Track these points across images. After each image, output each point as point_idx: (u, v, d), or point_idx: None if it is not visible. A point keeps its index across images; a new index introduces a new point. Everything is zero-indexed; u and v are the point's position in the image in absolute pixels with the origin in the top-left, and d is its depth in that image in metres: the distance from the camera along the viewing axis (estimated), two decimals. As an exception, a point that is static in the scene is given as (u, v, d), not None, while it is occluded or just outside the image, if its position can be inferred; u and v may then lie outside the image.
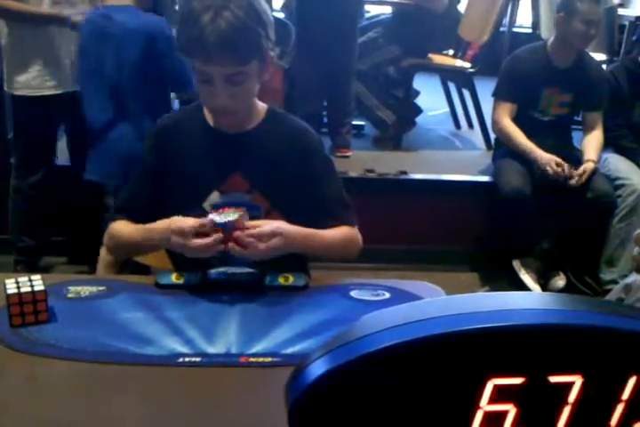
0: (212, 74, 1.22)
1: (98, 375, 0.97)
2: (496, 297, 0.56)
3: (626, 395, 0.57)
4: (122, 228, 1.34)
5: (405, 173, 2.99)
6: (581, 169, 2.61)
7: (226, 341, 1.06)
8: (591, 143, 2.74)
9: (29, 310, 1.07)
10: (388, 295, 1.24)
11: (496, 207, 2.77)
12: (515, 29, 4.87)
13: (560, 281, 2.75)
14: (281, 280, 1.26)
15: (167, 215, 1.25)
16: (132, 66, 2.10)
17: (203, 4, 1.19)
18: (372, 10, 4.33)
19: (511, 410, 0.55)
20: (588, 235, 2.71)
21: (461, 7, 3.93)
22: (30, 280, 1.08)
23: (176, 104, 2.64)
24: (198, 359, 1.01)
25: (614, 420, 0.58)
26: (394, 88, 3.51)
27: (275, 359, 1.02)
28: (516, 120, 2.75)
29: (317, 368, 0.54)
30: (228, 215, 1.17)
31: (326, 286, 1.29)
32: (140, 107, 2.14)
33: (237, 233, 1.16)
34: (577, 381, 0.55)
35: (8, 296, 1.05)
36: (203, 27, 1.18)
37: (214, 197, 1.33)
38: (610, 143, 2.79)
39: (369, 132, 3.60)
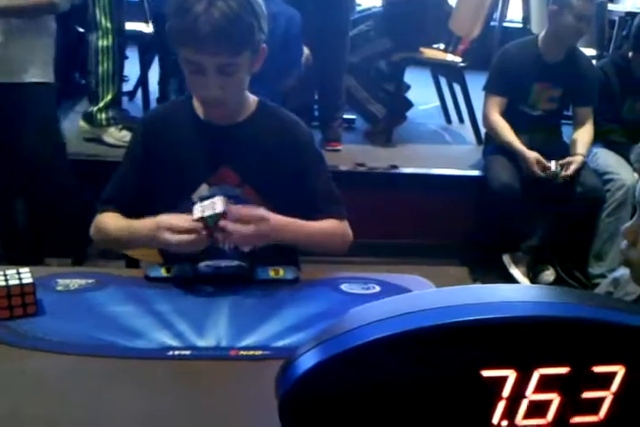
0: (203, 64, 1.21)
1: (87, 369, 0.97)
2: (484, 289, 0.56)
3: (614, 387, 0.57)
4: (108, 221, 1.32)
5: (396, 167, 2.99)
6: (566, 160, 2.62)
7: (216, 334, 1.06)
8: (580, 138, 2.75)
9: (17, 302, 1.06)
10: (378, 289, 1.24)
11: (486, 202, 2.78)
12: (505, 24, 4.88)
13: (549, 275, 2.77)
14: (271, 273, 1.26)
15: (155, 207, 1.24)
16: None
17: None
18: (364, 2, 4.32)
19: (500, 402, 0.56)
20: (577, 229, 2.72)
21: (452, 1, 3.93)
22: (18, 273, 1.08)
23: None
24: (188, 353, 1.01)
25: (602, 412, 0.59)
26: (385, 82, 3.50)
27: (265, 352, 1.02)
28: (506, 114, 2.76)
29: (307, 361, 0.54)
30: (209, 207, 1.16)
31: (317, 280, 1.29)
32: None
33: (222, 222, 1.16)
34: (562, 371, 0.56)
35: (-4, 289, 1.05)
36: (196, 16, 1.17)
37: (203, 189, 1.32)
38: (599, 138, 2.80)
39: (360, 125, 3.59)
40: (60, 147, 2.41)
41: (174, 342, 1.03)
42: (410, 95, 3.75)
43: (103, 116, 2.89)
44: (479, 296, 0.54)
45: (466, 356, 0.53)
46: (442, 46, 3.84)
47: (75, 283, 1.19)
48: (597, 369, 0.56)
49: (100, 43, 2.84)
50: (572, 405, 0.57)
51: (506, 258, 2.76)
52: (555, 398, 0.57)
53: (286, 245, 1.30)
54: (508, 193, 2.57)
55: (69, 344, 1.01)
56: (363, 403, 0.55)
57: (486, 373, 0.54)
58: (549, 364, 0.55)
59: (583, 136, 2.75)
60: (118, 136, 2.88)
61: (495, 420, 0.57)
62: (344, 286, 1.24)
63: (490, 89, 2.80)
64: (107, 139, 2.90)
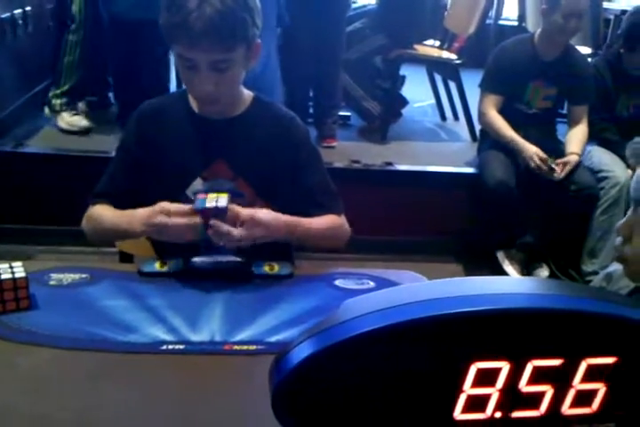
0: (196, 60, 1.21)
1: (80, 363, 0.96)
2: (477, 282, 0.56)
3: (608, 379, 0.57)
4: (102, 212, 1.31)
5: (391, 164, 2.99)
6: (562, 160, 2.63)
7: (210, 328, 1.06)
8: (575, 136, 2.75)
9: (10, 297, 1.05)
10: (372, 284, 1.24)
11: (481, 199, 2.78)
12: (501, 22, 4.89)
13: (543, 272, 2.78)
14: (266, 269, 1.25)
15: (149, 201, 1.23)
16: None
17: None
18: (359, 0, 4.32)
19: (494, 394, 0.56)
20: (571, 227, 2.73)
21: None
22: (11, 267, 1.07)
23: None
24: (182, 347, 1.01)
25: (595, 404, 0.59)
26: (380, 79, 3.50)
27: (259, 347, 1.02)
28: (502, 112, 2.76)
29: (300, 352, 0.54)
30: (212, 200, 1.16)
31: (311, 275, 1.29)
32: None
33: (214, 221, 1.15)
34: (556, 363, 0.56)
35: (-12, 283, 1.04)
36: (188, 12, 1.16)
37: (197, 184, 1.32)
38: (593, 136, 2.81)
39: (355, 122, 3.59)
40: None
41: (168, 337, 1.03)
42: (405, 92, 3.75)
43: (58, 101, 3.05)
44: (472, 288, 0.54)
45: (459, 347, 0.53)
46: (437, 44, 3.84)
47: (68, 277, 1.19)
48: (591, 361, 0.56)
49: (71, 36, 2.98)
50: (565, 397, 0.57)
51: (500, 255, 2.77)
52: (548, 390, 0.57)
53: (282, 241, 1.29)
54: (503, 190, 2.58)
55: (62, 338, 1.00)
56: (355, 394, 0.55)
57: (480, 364, 0.54)
58: (543, 356, 0.55)
59: (578, 135, 2.75)
60: (68, 120, 3.02)
61: (489, 411, 0.57)
62: (338, 282, 1.24)
63: (486, 87, 2.80)
64: (59, 123, 3.05)
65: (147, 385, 0.93)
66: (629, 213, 0.93)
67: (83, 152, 2.80)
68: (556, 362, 0.55)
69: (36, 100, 3.20)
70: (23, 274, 1.06)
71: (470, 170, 2.96)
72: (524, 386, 0.56)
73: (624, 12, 3.96)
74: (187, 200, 1.22)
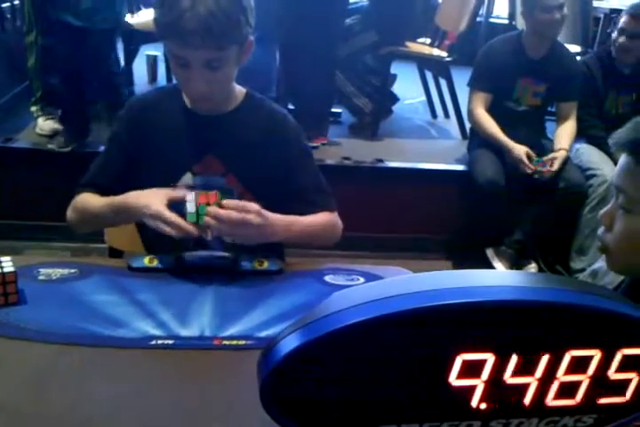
0: (189, 59, 1.20)
1: (69, 358, 0.96)
2: (463, 274, 0.56)
3: (591, 371, 0.58)
4: (89, 199, 1.31)
5: (382, 161, 3.00)
6: (550, 156, 2.64)
7: (199, 323, 1.06)
8: (564, 132, 2.77)
9: (-1, 291, 1.05)
10: (362, 280, 1.24)
11: (470, 196, 2.79)
12: (491, 20, 4.91)
13: (532, 269, 2.79)
14: (255, 265, 1.26)
15: None
16: None
17: None
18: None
19: (479, 385, 0.56)
20: (560, 224, 2.75)
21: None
22: (0, 262, 1.07)
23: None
24: (171, 342, 1.01)
25: (580, 395, 0.60)
26: (371, 76, 3.50)
27: (248, 342, 1.02)
28: (491, 110, 2.77)
29: (287, 345, 0.54)
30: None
31: (301, 271, 1.29)
32: None
33: (213, 208, 1.15)
34: (543, 357, 0.56)
35: (-23, 278, 1.04)
36: (181, 11, 1.15)
37: (187, 178, 1.32)
38: (581, 133, 2.83)
39: (345, 119, 3.59)
40: None
41: (157, 332, 1.03)
42: (396, 89, 3.76)
43: (34, 108, 3.05)
44: (458, 281, 0.54)
45: (445, 339, 0.54)
46: (428, 41, 3.85)
47: (57, 272, 1.19)
48: (575, 353, 0.56)
49: (27, 38, 2.91)
50: (550, 388, 0.58)
51: (489, 252, 2.78)
52: (532, 382, 0.57)
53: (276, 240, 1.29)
54: (492, 188, 2.59)
55: (51, 333, 1.00)
56: (341, 386, 0.55)
57: (465, 356, 0.54)
58: (528, 348, 0.55)
59: (567, 130, 2.77)
60: (41, 125, 2.99)
61: (474, 403, 0.57)
62: (328, 278, 1.25)
63: (474, 85, 2.81)
64: (36, 129, 3.02)
65: (136, 380, 0.93)
66: (611, 202, 0.93)
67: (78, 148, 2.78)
68: (541, 354, 0.56)
69: (25, 95, 3.18)
70: (12, 269, 1.06)
71: (460, 167, 2.98)
72: (508, 378, 0.57)
73: (614, 10, 3.99)
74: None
